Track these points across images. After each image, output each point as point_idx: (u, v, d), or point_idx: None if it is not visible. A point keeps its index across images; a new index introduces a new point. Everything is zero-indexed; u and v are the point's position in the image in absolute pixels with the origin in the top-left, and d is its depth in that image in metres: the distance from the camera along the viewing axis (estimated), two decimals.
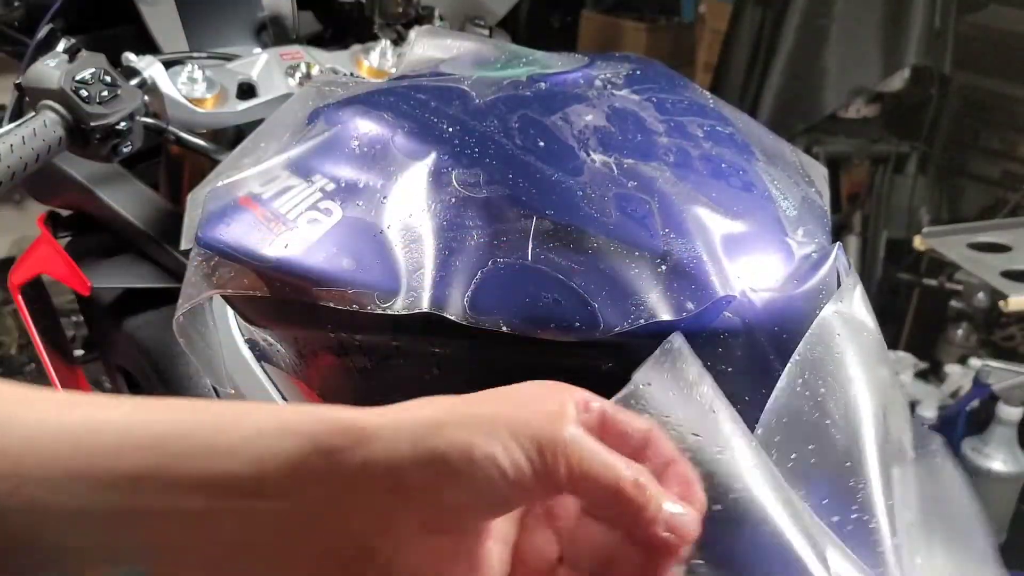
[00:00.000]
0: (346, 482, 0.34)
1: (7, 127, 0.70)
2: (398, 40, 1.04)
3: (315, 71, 0.94)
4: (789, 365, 0.54)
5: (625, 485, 0.34)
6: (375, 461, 0.33)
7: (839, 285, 0.58)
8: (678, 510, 0.35)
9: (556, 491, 0.35)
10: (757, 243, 0.59)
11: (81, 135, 0.74)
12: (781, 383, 0.54)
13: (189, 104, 0.86)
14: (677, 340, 0.50)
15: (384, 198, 0.58)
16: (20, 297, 1.04)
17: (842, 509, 0.53)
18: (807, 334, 0.55)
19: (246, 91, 0.90)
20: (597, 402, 0.37)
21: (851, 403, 0.55)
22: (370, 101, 0.64)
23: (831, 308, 0.56)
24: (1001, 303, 1.54)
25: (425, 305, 0.53)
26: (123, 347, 0.96)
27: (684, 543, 0.35)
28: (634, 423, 0.37)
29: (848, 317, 0.57)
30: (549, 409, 0.35)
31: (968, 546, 0.59)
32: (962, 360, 1.89)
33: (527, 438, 0.34)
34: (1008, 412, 1.59)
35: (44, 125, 0.71)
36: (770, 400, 0.54)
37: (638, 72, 0.71)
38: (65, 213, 1.06)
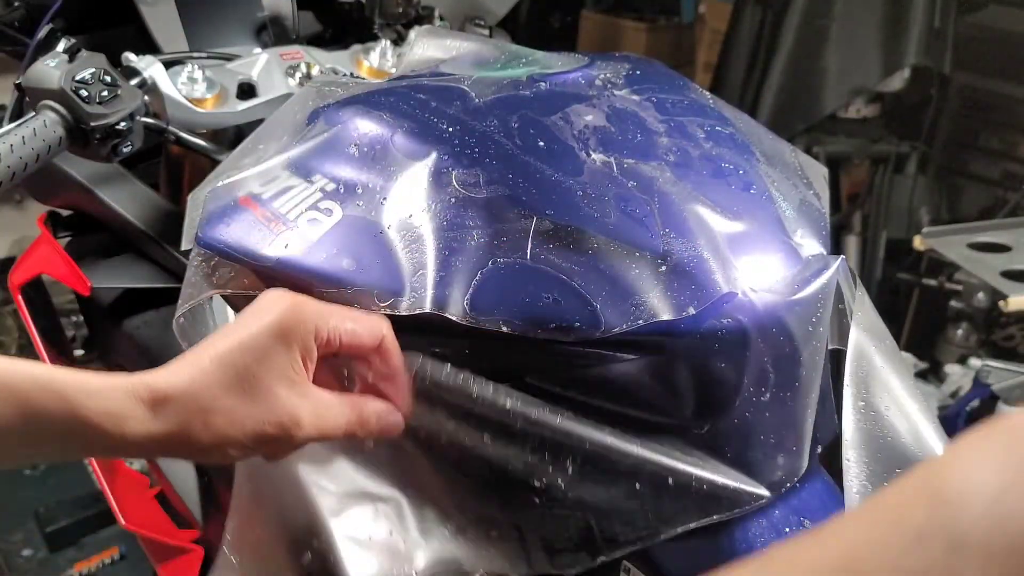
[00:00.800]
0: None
1: (7, 127, 0.70)
2: (398, 40, 1.03)
3: (315, 71, 0.93)
4: (845, 389, 0.54)
5: (340, 435, 0.51)
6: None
7: (839, 293, 0.58)
8: (393, 418, 0.54)
9: None
10: (757, 243, 0.59)
11: (81, 135, 0.74)
12: (846, 412, 0.54)
13: (189, 104, 0.85)
14: None
15: (384, 198, 0.58)
16: (20, 297, 1.04)
17: None
18: (848, 354, 0.55)
19: (246, 91, 0.90)
20: (337, 326, 0.50)
21: (910, 414, 0.55)
22: (370, 101, 0.64)
23: (856, 323, 0.56)
24: (1001, 303, 1.54)
25: (426, 305, 0.53)
26: (123, 347, 0.96)
27: (390, 434, 0.54)
28: (363, 337, 0.51)
29: (870, 328, 0.57)
30: (284, 420, 0.48)
31: None
32: (962, 360, 1.88)
33: (264, 442, 0.48)
34: (1008, 412, 1.59)
35: (44, 125, 0.71)
36: (844, 432, 0.54)
37: (638, 72, 0.71)
38: (65, 213, 1.06)
